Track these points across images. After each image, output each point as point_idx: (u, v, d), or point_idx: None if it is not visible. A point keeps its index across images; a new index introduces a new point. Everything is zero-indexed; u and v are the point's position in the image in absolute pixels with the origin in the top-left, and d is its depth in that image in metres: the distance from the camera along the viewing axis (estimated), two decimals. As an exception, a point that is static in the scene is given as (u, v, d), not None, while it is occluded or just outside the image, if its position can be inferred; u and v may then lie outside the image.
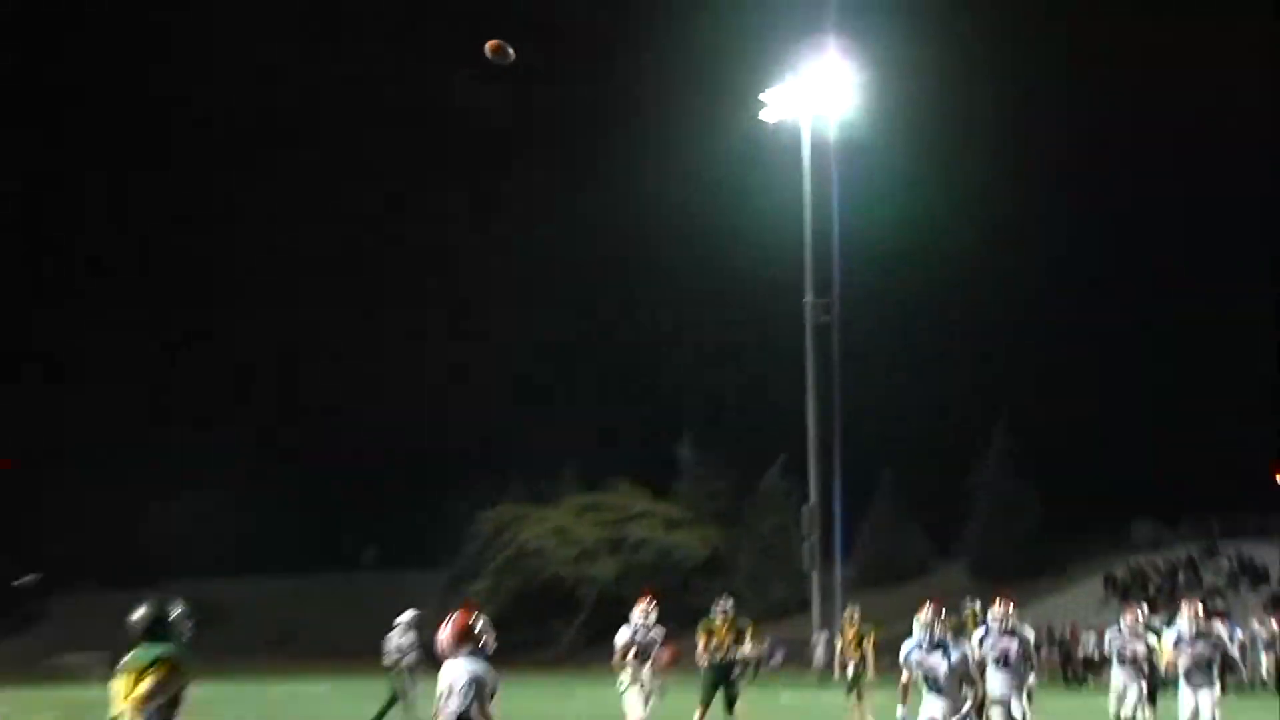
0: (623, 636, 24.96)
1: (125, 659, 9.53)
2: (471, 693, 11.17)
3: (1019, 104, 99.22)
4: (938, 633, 16.20)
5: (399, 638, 32.32)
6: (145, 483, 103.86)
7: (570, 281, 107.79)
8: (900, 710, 16.51)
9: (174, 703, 9.40)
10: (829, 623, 57.49)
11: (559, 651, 78.82)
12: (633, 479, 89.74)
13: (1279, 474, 78.22)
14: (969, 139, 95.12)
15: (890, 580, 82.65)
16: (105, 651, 74.98)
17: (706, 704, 24.90)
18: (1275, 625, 41.80)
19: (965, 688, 16.36)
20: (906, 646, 16.43)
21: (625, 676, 24.66)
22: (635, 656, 24.61)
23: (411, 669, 31.46)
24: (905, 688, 16.36)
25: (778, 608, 76.90)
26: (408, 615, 34.13)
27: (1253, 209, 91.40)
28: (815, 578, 65.39)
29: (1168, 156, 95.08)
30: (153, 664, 9.46)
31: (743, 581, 78.77)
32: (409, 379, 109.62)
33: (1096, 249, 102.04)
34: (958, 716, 16.10)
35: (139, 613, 9.72)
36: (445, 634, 11.39)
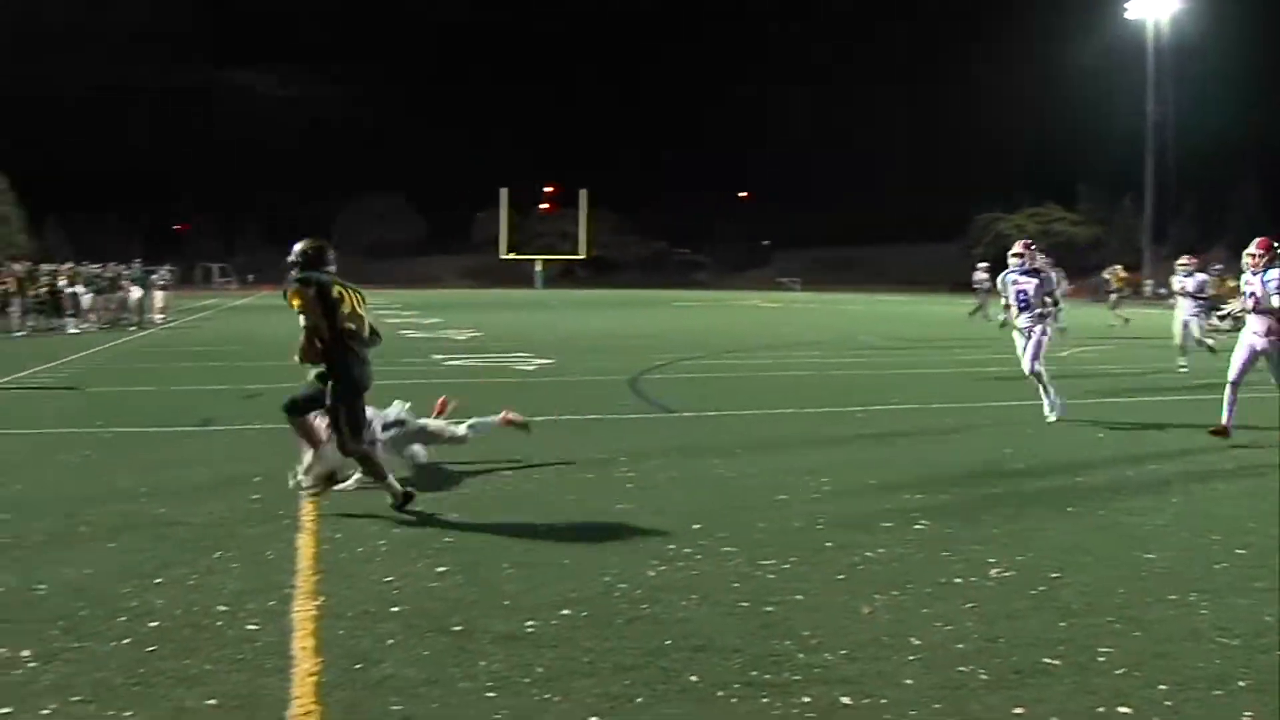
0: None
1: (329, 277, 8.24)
2: None
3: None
4: (1027, 264, 13.67)
5: (975, 277, 37.41)
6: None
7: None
8: (1005, 315, 14.62)
9: None
10: (1152, 274, 68.92)
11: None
12: (1054, 200, 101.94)
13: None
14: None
15: (1180, 254, 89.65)
16: (798, 279, 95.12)
17: None
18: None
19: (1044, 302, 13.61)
20: (1003, 275, 14.01)
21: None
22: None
23: (984, 294, 34.44)
24: (1008, 306, 13.85)
25: (1129, 266, 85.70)
26: (982, 264, 38.96)
27: None
28: (1146, 253, 75.26)
29: None
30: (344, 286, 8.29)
31: (1109, 254, 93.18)
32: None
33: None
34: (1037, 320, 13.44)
35: (301, 246, 8.37)
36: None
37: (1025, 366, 13.63)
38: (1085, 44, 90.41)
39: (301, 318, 8.18)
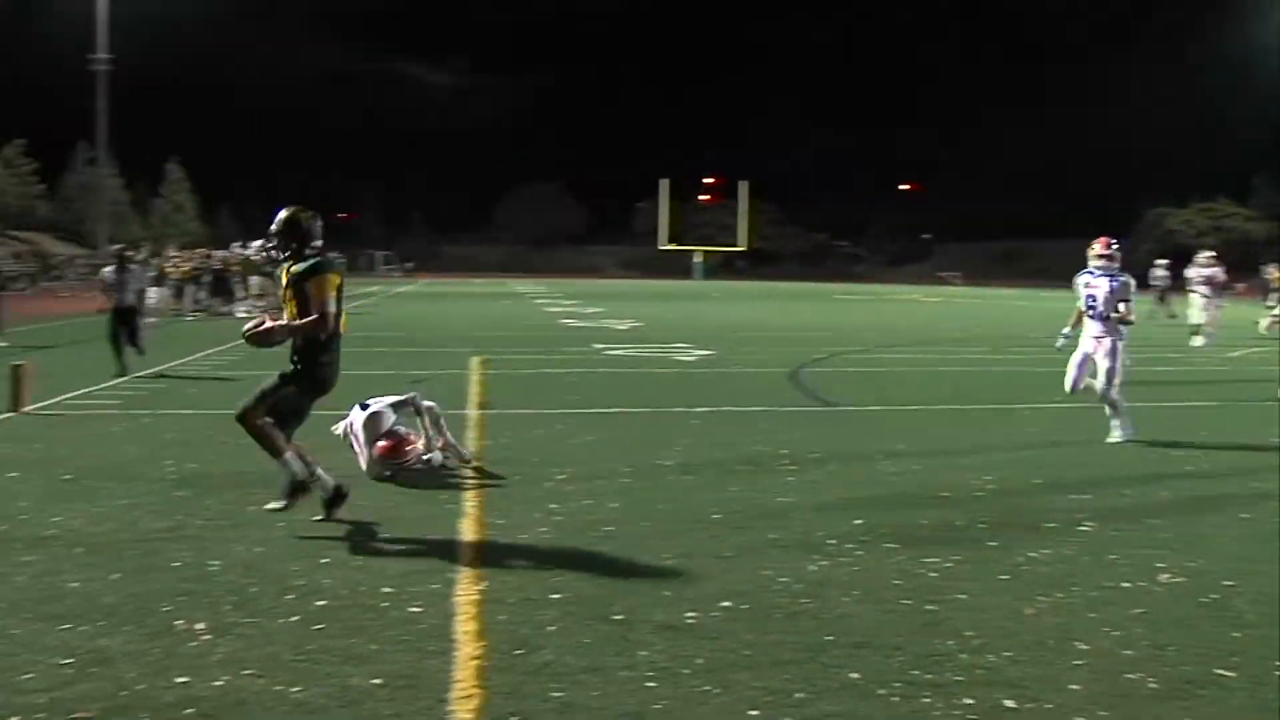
0: (1191, 270, 27.24)
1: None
2: None
3: None
4: (1106, 265, 11.63)
5: (1154, 274, 36.00)
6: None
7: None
8: (1067, 330, 12.13)
9: None
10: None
11: (1176, 281, 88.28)
12: (1226, 197, 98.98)
13: None
14: None
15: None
16: (959, 274, 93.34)
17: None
18: None
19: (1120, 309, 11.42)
20: (1079, 275, 11.97)
21: (1197, 292, 26.67)
22: (1202, 283, 26.54)
23: (1163, 291, 35.02)
24: (1080, 314, 11.85)
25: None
26: (1160, 260, 37.53)
27: None
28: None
29: None
30: None
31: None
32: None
33: None
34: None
35: (287, 214, 7.82)
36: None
37: (1068, 383, 11.90)
38: (1263, 31, 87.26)
39: (315, 303, 7.63)
